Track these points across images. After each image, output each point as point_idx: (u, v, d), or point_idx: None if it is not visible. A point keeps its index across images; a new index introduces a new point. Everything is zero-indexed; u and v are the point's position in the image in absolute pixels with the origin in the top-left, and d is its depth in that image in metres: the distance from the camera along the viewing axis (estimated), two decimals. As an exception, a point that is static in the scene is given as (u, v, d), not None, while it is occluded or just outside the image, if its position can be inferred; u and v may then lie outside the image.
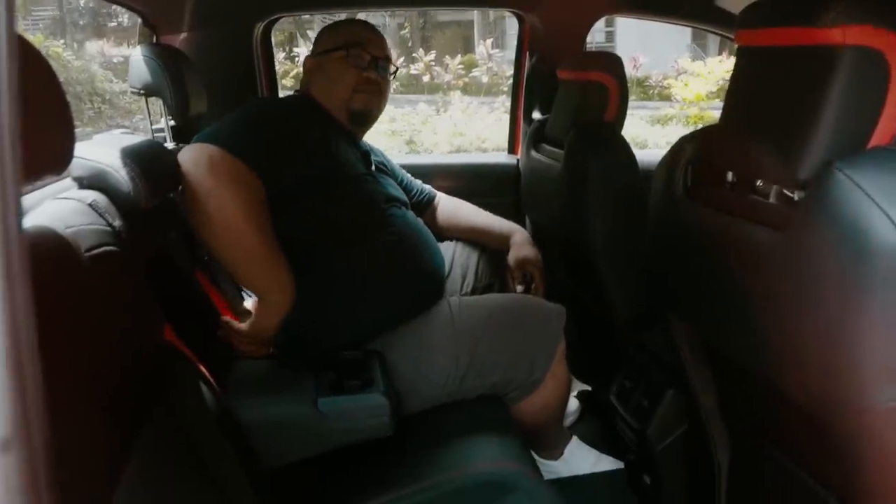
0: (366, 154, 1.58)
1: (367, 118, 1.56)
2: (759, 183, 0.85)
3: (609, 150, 1.52)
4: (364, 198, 1.42)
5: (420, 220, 1.56)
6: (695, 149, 1.03)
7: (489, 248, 1.74)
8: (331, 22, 1.67)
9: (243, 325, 1.28)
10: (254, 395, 1.20)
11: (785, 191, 0.81)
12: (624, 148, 1.51)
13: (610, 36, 12.05)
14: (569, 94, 1.71)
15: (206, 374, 1.11)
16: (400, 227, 1.43)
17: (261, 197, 1.23)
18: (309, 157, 1.35)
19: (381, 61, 1.54)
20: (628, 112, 1.67)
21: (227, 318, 1.31)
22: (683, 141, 1.07)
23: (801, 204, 0.77)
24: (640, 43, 9.43)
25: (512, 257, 1.66)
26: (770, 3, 0.86)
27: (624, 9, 2.21)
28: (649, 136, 7.27)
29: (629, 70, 1.83)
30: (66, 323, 0.72)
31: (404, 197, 1.60)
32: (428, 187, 1.85)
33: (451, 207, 1.82)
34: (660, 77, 9.63)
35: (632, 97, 1.68)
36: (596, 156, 1.51)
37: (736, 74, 0.94)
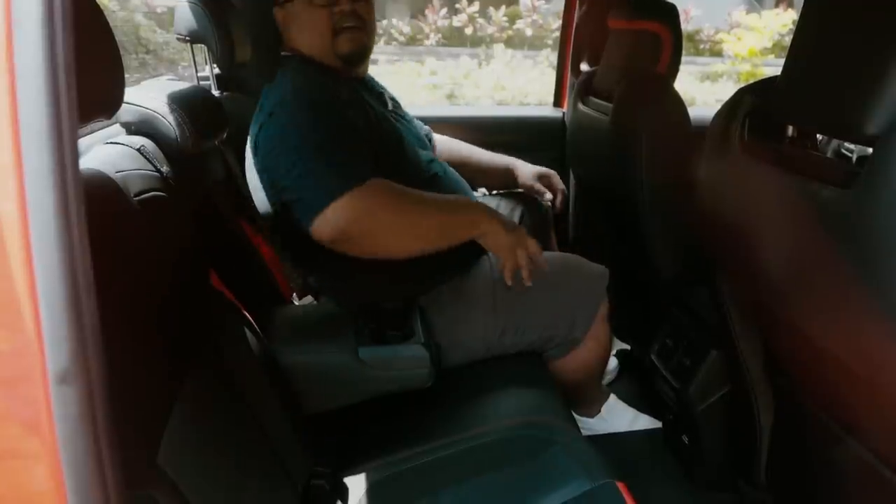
0: (381, 96, 1.49)
1: (361, 57, 1.40)
2: (820, 138, 0.81)
3: (660, 104, 1.46)
4: (411, 160, 1.38)
5: (459, 175, 1.54)
6: (753, 101, 0.99)
7: (528, 203, 1.72)
8: None
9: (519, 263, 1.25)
10: (295, 341, 1.22)
11: (842, 149, 0.77)
12: (676, 101, 1.46)
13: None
14: (620, 44, 1.65)
15: (251, 319, 1.13)
16: (443, 186, 1.41)
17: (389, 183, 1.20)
18: (370, 133, 1.28)
19: None
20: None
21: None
22: (743, 92, 1.02)
23: (869, 161, 0.73)
24: (692, -6, 9.06)
25: (526, 174, 1.72)
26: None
27: None
28: (698, 93, 7.03)
29: (683, 22, 1.76)
30: (118, 264, 0.74)
31: (429, 147, 1.55)
32: (424, 125, 1.75)
33: (449, 145, 1.76)
34: (712, 31, 9.27)
35: (682, 51, 1.61)
36: (646, 109, 1.46)
37: (802, 24, 0.88)
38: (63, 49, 0.41)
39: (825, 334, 0.84)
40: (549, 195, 1.71)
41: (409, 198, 1.21)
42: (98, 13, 0.71)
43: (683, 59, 1.62)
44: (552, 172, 1.74)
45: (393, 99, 1.55)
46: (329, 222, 1.13)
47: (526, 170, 1.74)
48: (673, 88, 1.49)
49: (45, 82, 0.39)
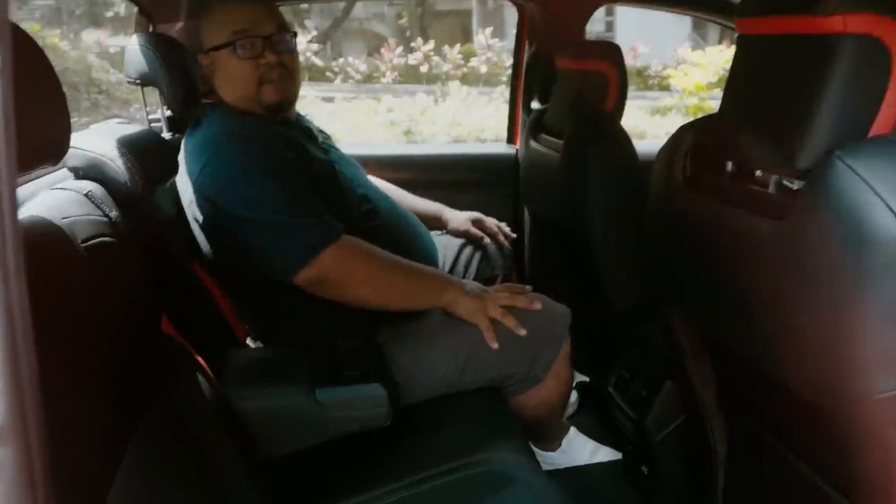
0: (308, 131, 1.50)
1: (285, 106, 1.42)
2: (758, 173, 0.85)
3: (608, 140, 1.52)
4: (345, 194, 1.39)
5: (400, 205, 1.56)
6: (694, 138, 1.03)
7: (491, 240, 1.75)
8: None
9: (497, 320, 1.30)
10: (250, 384, 1.20)
11: (784, 181, 0.80)
12: (623, 137, 1.51)
13: (609, 25, 12.00)
14: (568, 83, 1.71)
15: (204, 364, 1.11)
16: (383, 216, 1.43)
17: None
18: (305, 169, 1.33)
19: (276, 37, 1.37)
20: (627, 102, 1.67)
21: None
22: (683, 130, 1.06)
23: (800, 193, 0.77)
24: (639, 32, 9.39)
25: (457, 220, 1.76)
26: (771, -9, 0.86)
27: None
28: (648, 126, 7.25)
29: (629, 60, 1.83)
30: (63, 314, 0.72)
31: (364, 176, 1.56)
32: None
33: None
34: (659, 67, 9.60)
35: (631, 87, 1.68)
36: (595, 145, 1.51)
37: (736, 63, 0.93)
38: (2, 100, 0.41)
39: (770, 361, 0.87)
40: (486, 239, 1.74)
41: (382, 257, 1.29)
42: (40, 56, 0.71)
43: (634, 93, 1.69)
44: (480, 215, 1.77)
45: (322, 132, 1.57)
46: (305, 276, 1.23)
47: (455, 216, 1.77)
48: (619, 125, 1.54)
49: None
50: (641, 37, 9.31)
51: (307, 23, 9.92)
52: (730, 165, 0.91)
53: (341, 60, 8.92)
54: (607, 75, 1.61)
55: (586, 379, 1.95)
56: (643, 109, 7.95)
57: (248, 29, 1.36)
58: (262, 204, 1.24)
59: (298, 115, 1.54)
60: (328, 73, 8.84)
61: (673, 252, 1.09)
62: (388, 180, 1.78)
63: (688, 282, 1.07)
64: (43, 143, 0.71)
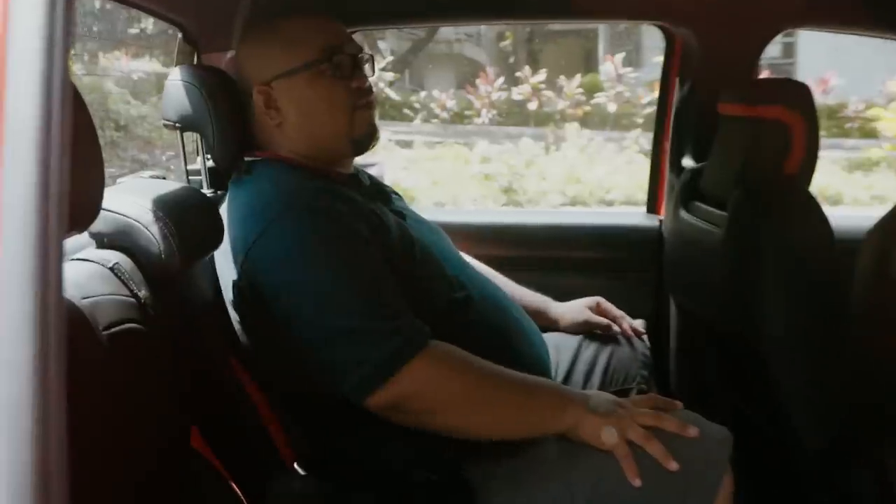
0: (379, 191, 1.55)
1: (373, 139, 1.51)
2: None
3: (791, 213, 1.49)
4: (423, 273, 1.41)
5: (502, 291, 1.57)
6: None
7: (604, 332, 1.74)
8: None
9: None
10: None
11: None
12: (813, 211, 1.48)
13: (789, 49, 11.88)
14: (735, 135, 1.71)
15: (240, 493, 1.15)
16: (479, 307, 1.44)
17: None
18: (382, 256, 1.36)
19: (363, 57, 1.48)
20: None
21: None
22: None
23: None
24: (830, 58, 9.26)
25: (572, 312, 1.75)
26: None
27: (816, 20, 2.19)
28: (845, 186, 7.07)
29: (817, 96, 1.81)
30: (76, 419, 0.77)
31: (454, 249, 1.59)
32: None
33: None
34: (860, 105, 9.40)
35: (821, 133, 1.65)
36: (772, 219, 1.49)
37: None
38: (58, 172, 0.47)
39: None
40: (615, 327, 1.73)
41: (481, 370, 1.27)
42: (83, 110, 0.79)
43: (825, 141, 1.66)
44: (600, 299, 1.77)
45: (395, 193, 1.63)
46: (382, 397, 1.21)
47: (568, 309, 1.76)
48: (807, 193, 1.52)
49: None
50: (833, 64, 9.17)
51: (380, 44, 10.27)
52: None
53: (423, 94, 9.19)
54: (790, 125, 1.59)
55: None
56: (838, 163, 7.78)
57: (341, 45, 1.44)
58: (329, 300, 1.26)
59: (360, 169, 1.59)
60: (406, 111, 9.12)
61: (893, 374, 1.05)
62: (480, 258, 1.81)
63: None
64: (74, 207, 0.78)
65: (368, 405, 1.22)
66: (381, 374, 1.21)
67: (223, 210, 1.40)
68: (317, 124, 1.44)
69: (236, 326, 1.40)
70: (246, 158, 1.46)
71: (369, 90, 1.47)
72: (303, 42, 1.43)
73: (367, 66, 1.49)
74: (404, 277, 1.34)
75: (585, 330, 1.74)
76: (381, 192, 1.56)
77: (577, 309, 1.76)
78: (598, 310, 1.75)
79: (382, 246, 1.35)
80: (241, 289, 1.34)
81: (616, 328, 1.74)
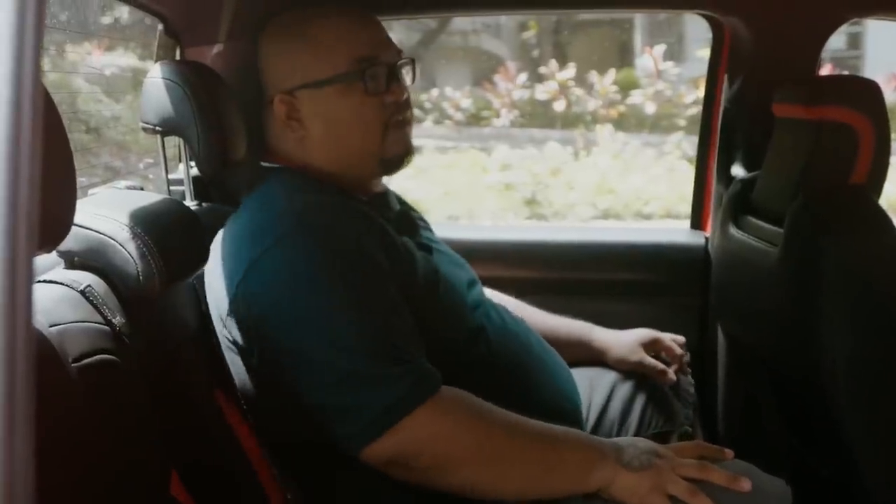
0: (407, 218, 1.57)
1: (406, 159, 1.52)
2: None
3: (858, 229, 1.49)
4: (443, 312, 1.42)
5: (525, 326, 1.58)
6: None
7: (656, 380, 1.72)
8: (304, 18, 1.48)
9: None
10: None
11: None
12: (882, 226, 1.48)
13: (855, 40, 11.80)
14: (792, 140, 1.71)
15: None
16: (497, 345, 1.45)
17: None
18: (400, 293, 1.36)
19: (401, 65, 1.49)
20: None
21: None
22: None
23: None
24: (902, 51, 9.26)
25: (626, 345, 1.72)
26: None
27: (889, 7, 2.15)
28: (920, 199, 7.03)
29: (887, 94, 1.79)
30: (45, 459, 0.78)
31: (477, 283, 1.60)
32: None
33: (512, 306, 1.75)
34: (936, 105, 9.36)
35: (892, 136, 1.64)
36: (835, 236, 1.49)
37: None
38: (27, 184, 0.48)
39: None
40: (671, 375, 1.70)
41: (497, 420, 1.27)
42: (56, 117, 0.80)
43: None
44: (657, 334, 1.74)
45: (423, 219, 1.65)
46: (381, 449, 1.21)
47: (618, 340, 1.74)
48: (877, 206, 1.52)
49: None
50: (906, 59, 9.15)
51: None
52: None
53: (434, 92, 9.18)
54: (856, 128, 1.59)
55: None
56: (910, 172, 7.73)
57: (377, 55, 1.44)
58: (334, 337, 1.26)
59: (387, 189, 1.60)
60: (415, 111, 9.12)
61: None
62: (498, 280, 1.81)
63: None
64: (44, 224, 0.79)
65: (366, 458, 1.22)
66: (380, 422, 1.20)
67: (218, 236, 1.41)
68: (344, 142, 1.46)
69: (227, 358, 1.40)
70: (262, 164, 1.48)
71: (406, 104, 1.48)
72: (333, 49, 1.43)
73: (405, 74, 1.50)
74: (422, 315, 1.35)
75: (637, 371, 1.72)
76: (408, 220, 1.57)
77: (628, 346, 1.74)
78: (654, 347, 1.73)
79: (402, 280, 1.35)
80: (232, 320, 1.34)
81: (672, 377, 1.71)
